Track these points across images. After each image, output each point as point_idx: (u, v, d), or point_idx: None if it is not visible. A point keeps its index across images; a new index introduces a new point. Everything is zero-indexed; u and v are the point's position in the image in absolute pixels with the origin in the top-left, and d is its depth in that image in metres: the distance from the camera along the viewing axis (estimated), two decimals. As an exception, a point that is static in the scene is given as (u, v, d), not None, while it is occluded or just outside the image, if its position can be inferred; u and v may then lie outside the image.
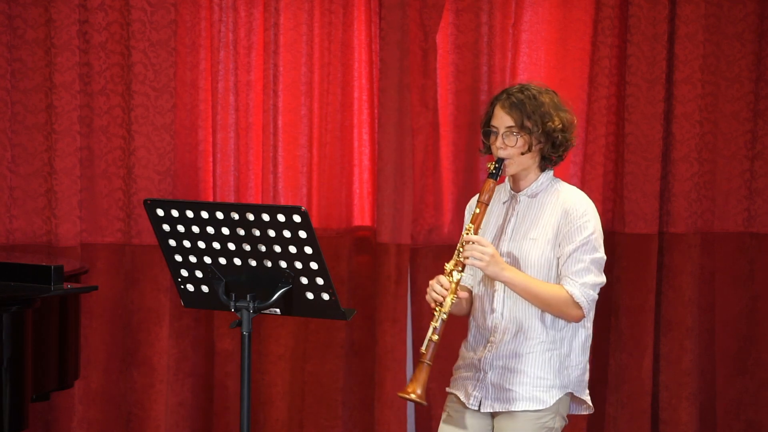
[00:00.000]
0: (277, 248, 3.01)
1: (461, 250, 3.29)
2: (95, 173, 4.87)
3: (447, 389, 3.56)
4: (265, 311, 3.10)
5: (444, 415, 3.53)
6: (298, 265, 3.02)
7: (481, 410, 3.42)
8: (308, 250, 2.99)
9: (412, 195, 5.05)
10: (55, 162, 4.75)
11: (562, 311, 3.34)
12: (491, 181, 3.35)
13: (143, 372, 4.89)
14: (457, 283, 3.29)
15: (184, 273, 3.15)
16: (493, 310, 3.41)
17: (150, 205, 3.08)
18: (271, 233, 2.99)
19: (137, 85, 4.81)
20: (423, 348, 3.26)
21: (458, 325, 3.61)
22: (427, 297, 3.32)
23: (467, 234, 3.30)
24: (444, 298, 3.27)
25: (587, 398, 3.50)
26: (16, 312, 3.71)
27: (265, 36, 4.96)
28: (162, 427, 4.89)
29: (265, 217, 2.98)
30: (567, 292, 3.31)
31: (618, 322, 5.29)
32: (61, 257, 4.65)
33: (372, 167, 5.14)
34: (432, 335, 3.25)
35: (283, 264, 3.03)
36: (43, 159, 4.79)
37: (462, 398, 3.46)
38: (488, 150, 3.43)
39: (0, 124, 4.76)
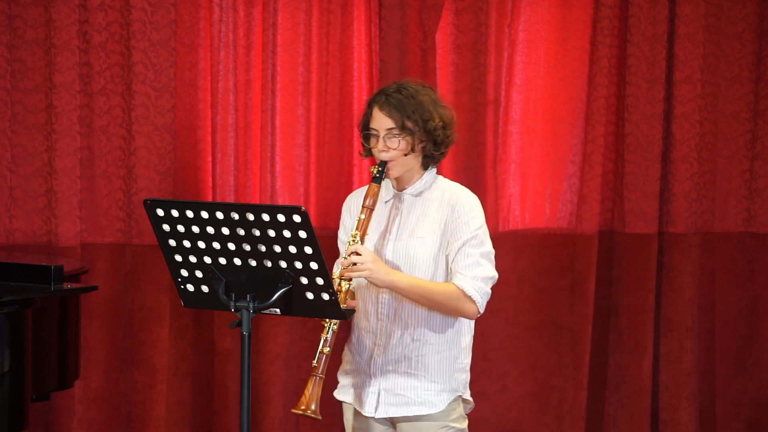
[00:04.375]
0: (277, 248, 3.01)
1: (347, 257, 3.20)
2: (95, 173, 4.87)
3: (336, 396, 3.45)
4: (265, 311, 3.10)
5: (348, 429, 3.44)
6: (298, 265, 3.01)
7: (377, 416, 3.35)
8: (308, 250, 2.99)
9: (411, 195, 5.04)
10: (55, 162, 4.75)
11: (454, 308, 3.24)
12: (375, 185, 3.26)
13: (143, 372, 4.89)
14: (346, 292, 3.20)
15: (184, 273, 3.14)
16: (377, 313, 3.33)
17: (150, 205, 3.08)
18: (271, 233, 2.99)
19: (137, 85, 4.81)
20: (315, 361, 3.19)
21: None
22: None
23: (353, 242, 3.21)
24: None
25: (470, 398, 3.41)
26: (16, 312, 3.71)
27: (264, 36, 4.96)
28: (162, 427, 4.89)
29: (265, 217, 2.97)
30: (458, 287, 3.21)
31: (618, 322, 5.29)
32: (61, 257, 4.65)
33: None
34: (323, 348, 3.18)
35: (283, 264, 3.03)
36: (43, 159, 4.79)
37: (356, 406, 3.39)
38: (369, 153, 3.35)
39: (0, 124, 4.76)
